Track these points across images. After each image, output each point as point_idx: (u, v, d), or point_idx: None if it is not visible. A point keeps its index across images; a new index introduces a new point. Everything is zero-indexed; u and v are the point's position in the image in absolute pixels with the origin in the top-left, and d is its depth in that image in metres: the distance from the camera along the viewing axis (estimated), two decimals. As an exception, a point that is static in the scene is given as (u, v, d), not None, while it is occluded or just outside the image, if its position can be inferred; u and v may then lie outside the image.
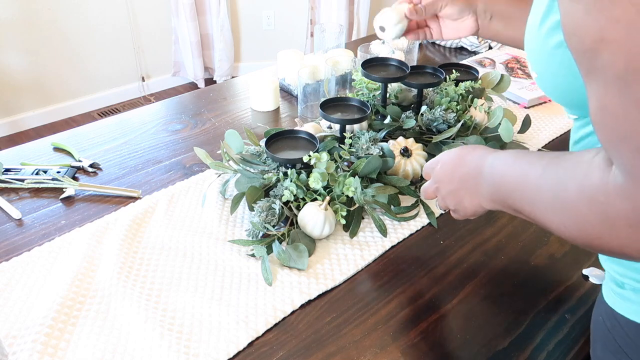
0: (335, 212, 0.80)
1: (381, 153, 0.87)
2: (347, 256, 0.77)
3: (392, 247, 0.79)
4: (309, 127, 0.93)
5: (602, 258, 0.58)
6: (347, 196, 0.80)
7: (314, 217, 0.76)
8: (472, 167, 0.57)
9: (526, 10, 0.58)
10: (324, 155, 0.80)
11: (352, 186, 0.78)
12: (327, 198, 0.79)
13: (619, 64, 0.34)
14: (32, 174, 0.92)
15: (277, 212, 0.78)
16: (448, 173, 0.62)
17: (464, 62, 1.30)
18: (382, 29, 0.87)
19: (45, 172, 0.93)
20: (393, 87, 1.06)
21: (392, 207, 0.84)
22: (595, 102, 0.38)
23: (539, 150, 1.04)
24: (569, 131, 1.11)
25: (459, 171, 0.60)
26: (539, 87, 0.54)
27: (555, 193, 0.43)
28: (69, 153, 1.01)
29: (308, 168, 0.83)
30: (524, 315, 0.68)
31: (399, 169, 0.88)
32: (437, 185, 0.64)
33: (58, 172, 0.92)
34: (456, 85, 1.05)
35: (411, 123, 0.96)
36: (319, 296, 0.71)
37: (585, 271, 0.75)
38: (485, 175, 0.55)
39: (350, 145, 0.86)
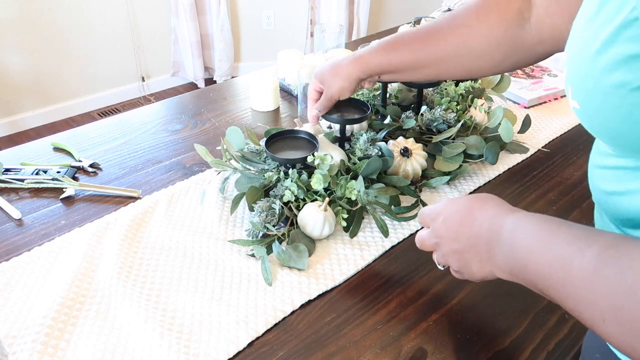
0: (336, 214, 0.80)
1: (380, 153, 0.87)
2: (347, 256, 0.77)
3: (392, 247, 0.79)
4: (308, 127, 0.93)
5: None
6: (348, 197, 0.80)
7: (314, 217, 0.76)
8: (485, 229, 0.49)
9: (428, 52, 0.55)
10: (328, 157, 0.80)
11: (355, 188, 0.79)
12: (327, 199, 0.79)
13: None
14: (32, 174, 0.92)
15: (277, 212, 0.78)
16: (453, 230, 0.53)
17: (464, 62, 1.30)
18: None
19: (45, 172, 0.93)
20: (393, 87, 1.06)
21: (392, 207, 0.84)
22: None
23: (540, 150, 1.04)
24: (569, 131, 1.11)
25: (466, 231, 0.51)
26: (578, 118, 0.43)
27: (614, 303, 0.35)
28: (69, 153, 1.01)
29: (308, 168, 0.83)
30: (524, 315, 0.68)
31: (399, 169, 0.89)
32: (438, 241, 0.56)
33: (58, 172, 0.92)
34: (456, 85, 1.05)
35: (411, 123, 0.96)
36: (319, 296, 0.71)
37: (585, 271, 0.75)
38: (502, 245, 0.46)
39: (349, 147, 0.86)
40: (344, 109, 0.92)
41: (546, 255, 0.41)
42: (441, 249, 0.55)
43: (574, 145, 1.06)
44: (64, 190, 0.89)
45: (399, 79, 0.83)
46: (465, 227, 0.51)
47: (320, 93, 0.85)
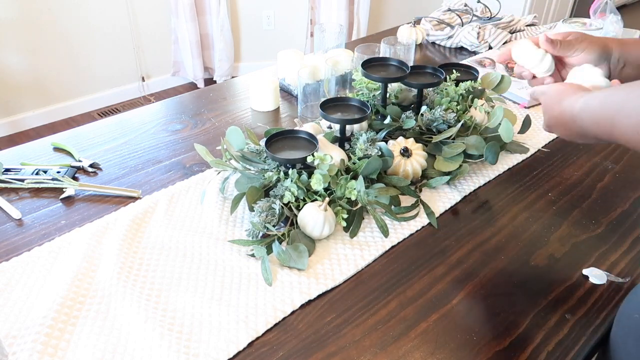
0: (336, 214, 0.80)
1: (380, 153, 0.87)
2: (347, 256, 0.77)
3: (392, 247, 0.79)
4: (308, 127, 0.93)
5: None
6: (348, 197, 0.80)
7: (314, 217, 0.76)
8: (567, 111, 0.63)
9: None
10: (327, 157, 0.80)
11: (355, 188, 0.79)
12: (327, 199, 0.79)
13: None
14: (32, 174, 0.92)
15: (277, 212, 0.78)
16: (549, 106, 0.67)
17: (464, 62, 1.30)
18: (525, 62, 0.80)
19: (45, 172, 0.93)
20: (393, 87, 1.06)
21: (392, 207, 0.84)
22: None
23: (540, 150, 1.04)
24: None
25: (557, 108, 0.66)
26: None
27: None
28: (69, 153, 1.01)
29: (308, 168, 0.83)
30: (524, 315, 0.68)
31: (399, 169, 0.89)
32: (544, 112, 0.69)
33: (58, 172, 0.92)
34: (456, 85, 1.05)
35: (411, 123, 0.96)
36: (319, 296, 0.71)
37: (585, 271, 0.75)
38: (580, 120, 0.60)
39: (349, 147, 0.86)
40: (344, 109, 0.92)
41: (613, 102, 0.55)
42: (544, 118, 0.70)
43: (574, 145, 1.06)
44: (64, 190, 0.89)
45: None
46: (556, 106, 0.66)
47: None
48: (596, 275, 0.74)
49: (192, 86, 3.25)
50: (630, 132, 0.53)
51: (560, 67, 0.81)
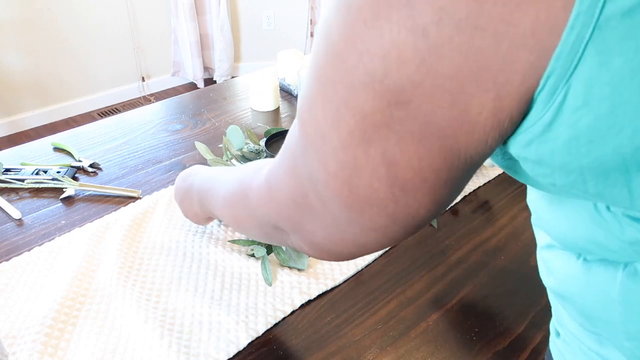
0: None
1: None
2: (347, 256, 0.77)
3: (392, 247, 0.79)
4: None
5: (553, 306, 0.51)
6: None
7: (314, 217, 0.76)
8: (187, 185, 0.71)
9: None
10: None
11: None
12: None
13: None
14: (32, 174, 0.92)
15: (277, 212, 0.78)
16: (177, 188, 0.75)
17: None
18: None
19: (45, 172, 0.93)
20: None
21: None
22: None
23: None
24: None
25: (181, 186, 0.73)
26: None
27: (227, 199, 0.53)
28: (69, 153, 1.01)
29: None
30: (524, 315, 0.68)
31: (399, 169, 0.88)
32: (175, 197, 0.76)
33: (58, 172, 0.92)
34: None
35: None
36: (319, 296, 0.71)
37: (585, 271, 0.75)
38: (192, 194, 0.69)
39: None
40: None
41: (207, 190, 0.62)
42: (176, 201, 0.77)
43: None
44: (64, 190, 0.89)
45: None
46: (179, 182, 0.74)
47: None
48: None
49: (192, 86, 3.25)
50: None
51: None
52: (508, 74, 0.25)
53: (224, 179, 0.56)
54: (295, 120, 0.38)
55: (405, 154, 0.30)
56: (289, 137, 0.40)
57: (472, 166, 0.32)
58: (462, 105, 0.27)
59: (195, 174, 0.69)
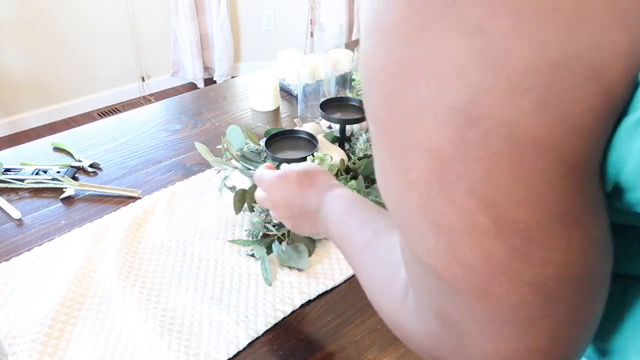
0: (335, 212, 0.80)
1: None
2: (347, 256, 0.77)
3: (392, 247, 0.79)
4: (308, 127, 0.93)
5: None
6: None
7: (314, 217, 0.76)
8: (313, 202, 0.56)
9: None
10: (327, 157, 0.80)
11: (355, 188, 0.79)
12: (327, 198, 0.79)
13: None
14: (32, 174, 0.92)
15: (277, 212, 0.78)
16: (287, 200, 0.59)
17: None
18: None
19: (45, 172, 0.93)
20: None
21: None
22: None
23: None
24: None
25: (298, 202, 0.58)
26: None
27: (368, 282, 0.42)
28: (69, 153, 1.01)
29: (308, 168, 0.83)
30: (524, 315, 0.68)
31: (399, 169, 0.88)
32: (273, 206, 0.62)
33: (58, 172, 0.92)
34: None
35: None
36: (319, 296, 0.71)
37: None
38: (322, 216, 0.55)
39: (349, 147, 0.86)
40: (344, 109, 0.92)
41: (342, 233, 0.50)
42: (276, 212, 0.62)
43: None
44: (64, 190, 0.89)
45: None
46: (297, 198, 0.58)
47: None
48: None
49: (192, 86, 3.25)
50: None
51: None
52: (605, 54, 0.20)
53: (360, 259, 0.45)
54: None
55: (501, 186, 0.23)
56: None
57: (588, 176, 0.24)
58: (554, 101, 0.22)
59: (317, 212, 0.56)
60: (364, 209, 0.49)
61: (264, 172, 0.63)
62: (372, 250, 0.43)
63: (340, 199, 0.53)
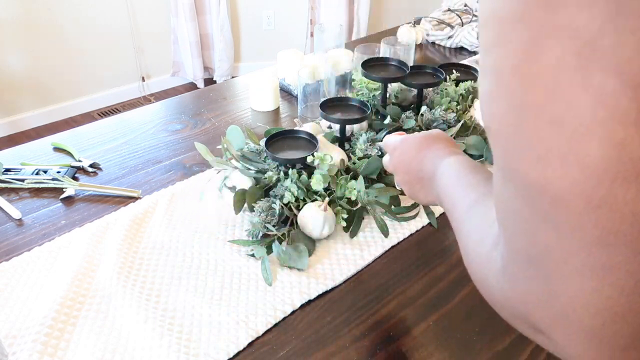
0: (336, 214, 0.80)
1: (380, 153, 0.87)
2: (347, 256, 0.77)
3: (392, 247, 0.79)
4: (308, 127, 0.93)
5: None
6: (348, 197, 0.80)
7: (314, 217, 0.76)
8: (429, 167, 0.56)
9: None
10: (327, 157, 0.80)
11: (355, 188, 0.79)
12: (327, 199, 0.79)
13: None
14: (32, 174, 0.92)
15: (277, 212, 0.78)
16: (405, 164, 0.61)
17: (464, 62, 1.30)
18: None
19: (45, 172, 0.93)
20: (393, 87, 1.06)
21: (392, 207, 0.84)
22: None
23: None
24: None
25: (415, 166, 0.59)
26: None
27: (464, 241, 0.43)
28: (69, 153, 1.01)
29: (308, 168, 0.83)
30: (524, 315, 0.68)
31: (399, 169, 0.88)
32: (394, 170, 0.65)
33: (58, 172, 0.92)
34: (456, 85, 1.05)
35: (411, 123, 0.96)
36: (319, 296, 0.71)
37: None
38: (436, 182, 0.55)
39: (349, 147, 0.86)
40: (344, 109, 0.92)
41: (450, 196, 0.50)
42: (397, 176, 0.64)
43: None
44: (64, 190, 0.89)
45: None
46: (414, 162, 0.59)
47: None
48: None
49: (192, 86, 3.25)
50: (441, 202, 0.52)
51: None
52: None
53: (461, 220, 0.45)
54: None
55: None
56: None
57: None
58: None
59: (433, 174, 0.55)
60: (475, 175, 0.49)
61: (390, 136, 0.65)
62: (472, 212, 0.43)
63: (455, 165, 0.52)
